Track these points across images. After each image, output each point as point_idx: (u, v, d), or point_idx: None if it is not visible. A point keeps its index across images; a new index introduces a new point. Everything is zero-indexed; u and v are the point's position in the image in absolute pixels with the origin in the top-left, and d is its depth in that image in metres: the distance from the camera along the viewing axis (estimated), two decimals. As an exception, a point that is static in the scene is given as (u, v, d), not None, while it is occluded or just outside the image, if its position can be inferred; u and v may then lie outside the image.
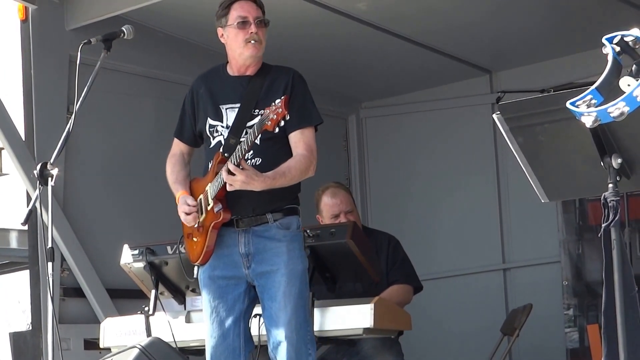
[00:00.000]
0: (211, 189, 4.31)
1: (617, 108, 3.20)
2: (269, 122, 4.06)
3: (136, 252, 5.22)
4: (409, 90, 7.56)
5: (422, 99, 7.56)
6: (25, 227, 6.33)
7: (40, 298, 6.09)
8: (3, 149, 8.38)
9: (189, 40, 6.83)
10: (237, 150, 4.19)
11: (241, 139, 4.28)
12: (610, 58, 3.34)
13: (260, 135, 4.19)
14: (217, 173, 4.28)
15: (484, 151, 7.33)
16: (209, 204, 4.32)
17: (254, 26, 4.38)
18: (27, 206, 4.57)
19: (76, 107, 4.45)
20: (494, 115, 3.75)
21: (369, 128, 7.73)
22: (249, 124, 4.32)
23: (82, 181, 6.38)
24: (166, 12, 6.48)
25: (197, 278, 4.46)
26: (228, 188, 4.21)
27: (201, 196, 4.37)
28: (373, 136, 7.74)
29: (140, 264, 5.21)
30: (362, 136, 7.73)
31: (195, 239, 4.39)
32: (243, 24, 4.38)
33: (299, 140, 4.33)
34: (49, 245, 4.29)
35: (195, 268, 4.45)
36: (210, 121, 4.42)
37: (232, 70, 4.47)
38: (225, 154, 4.29)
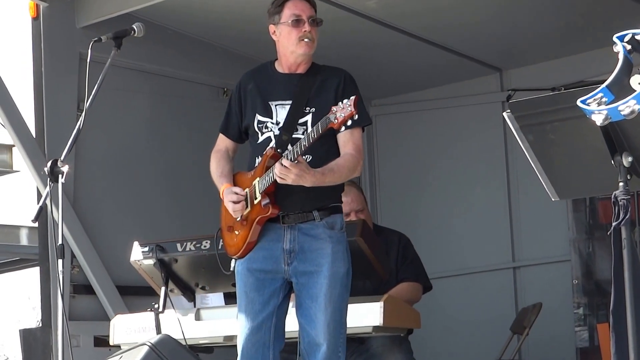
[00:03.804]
0: (260, 183, 4.30)
1: (628, 106, 3.19)
2: (336, 121, 4.08)
3: (146, 249, 5.23)
4: (419, 88, 7.55)
5: (432, 96, 7.56)
6: (36, 224, 6.34)
7: (51, 295, 6.11)
8: (14, 146, 8.40)
9: (201, 38, 6.84)
10: (296, 145, 4.19)
11: (293, 135, 4.30)
12: (621, 56, 3.34)
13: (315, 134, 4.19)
14: (267, 168, 4.28)
15: (494, 149, 7.32)
16: (256, 198, 4.32)
17: (307, 25, 4.39)
18: (38, 203, 4.58)
19: (87, 104, 4.46)
20: (505, 113, 3.75)
21: (379, 126, 7.72)
22: (301, 120, 4.34)
23: (92, 178, 6.39)
24: (177, 9, 6.49)
25: (233, 271, 4.44)
26: (279, 181, 4.21)
27: (247, 189, 4.37)
28: (383, 134, 7.73)
29: (150, 261, 5.22)
30: (372, 134, 7.73)
31: (236, 232, 4.38)
32: (297, 22, 4.39)
33: (348, 140, 4.34)
34: (59, 242, 4.30)
35: (233, 261, 4.44)
36: (259, 117, 4.42)
37: (282, 67, 4.48)
38: (278, 150, 4.30)
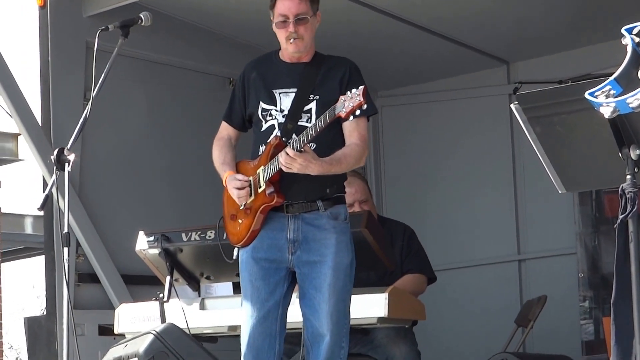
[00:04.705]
0: (265, 171, 4.29)
1: (637, 99, 3.19)
2: (344, 110, 4.06)
3: (151, 238, 5.23)
4: (426, 79, 7.55)
5: (439, 88, 7.55)
6: (41, 213, 6.35)
7: (55, 283, 6.11)
8: (20, 134, 8.41)
9: (207, 28, 6.84)
10: (302, 134, 4.18)
11: (298, 123, 4.30)
12: (629, 49, 3.33)
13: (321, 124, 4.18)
14: (272, 156, 4.27)
15: (501, 142, 7.32)
16: (260, 187, 4.31)
17: (292, 25, 4.38)
18: (44, 192, 4.58)
19: (93, 93, 4.45)
20: (512, 105, 3.74)
21: (384, 117, 7.72)
22: (305, 108, 4.34)
23: (98, 167, 6.39)
24: (184, -1, 6.49)
25: (236, 260, 4.44)
26: (284, 170, 4.20)
27: (251, 178, 4.36)
28: (389, 125, 7.72)
29: (156, 251, 5.22)
30: (378, 125, 7.72)
31: (240, 221, 4.37)
32: (283, 23, 4.40)
33: (354, 130, 4.33)
34: (65, 230, 4.29)
35: (235, 250, 4.44)
36: (263, 105, 4.42)
37: (285, 58, 4.48)
38: (283, 139, 4.29)
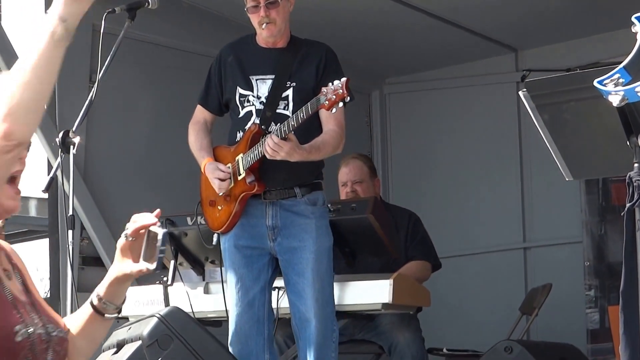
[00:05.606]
0: (245, 159, 4.29)
1: (646, 87, 3.17)
2: (327, 102, 4.06)
3: (156, 222, 5.21)
4: (434, 66, 7.52)
5: (446, 75, 7.52)
6: (45, 196, 6.33)
7: (60, 266, 6.11)
8: (25, 116, 8.38)
9: (213, 12, 6.81)
10: (284, 124, 4.19)
11: (277, 111, 4.29)
12: (639, 37, 3.31)
13: (304, 112, 4.18)
14: (251, 144, 4.27)
15: (508, 129, 7.30)
16: (240, 174, 4.31)
17: (263, 10, 4.40)
18: (48, 174, 4.57)
19: (99, 76, 4.44)
20: (521, 92, 3.72)
21: (392, 104, 7.70)
22: (283, 95, 4.32)
23: (103, 150, 6.38)
24: (191, -18, 6.46)
25: (216, 246, 4.45)
26: (268, 157, 4.20)
27: (229, 165, 4.36)
28: (396, 112, 7.71)
29: (160, 235, 5.20)
30: (385, 112, 7.70)
31: (219, 207, 4.39)
32: (254, 8, 4.41)
33: (330, 116, 4.34)
34: (70, 213, 4.29)
35: (215, 235, 4.45)
36: (240, 90, 4.42)
37: (261, 42, 4.48)
38: (262, 126, 4.29)
